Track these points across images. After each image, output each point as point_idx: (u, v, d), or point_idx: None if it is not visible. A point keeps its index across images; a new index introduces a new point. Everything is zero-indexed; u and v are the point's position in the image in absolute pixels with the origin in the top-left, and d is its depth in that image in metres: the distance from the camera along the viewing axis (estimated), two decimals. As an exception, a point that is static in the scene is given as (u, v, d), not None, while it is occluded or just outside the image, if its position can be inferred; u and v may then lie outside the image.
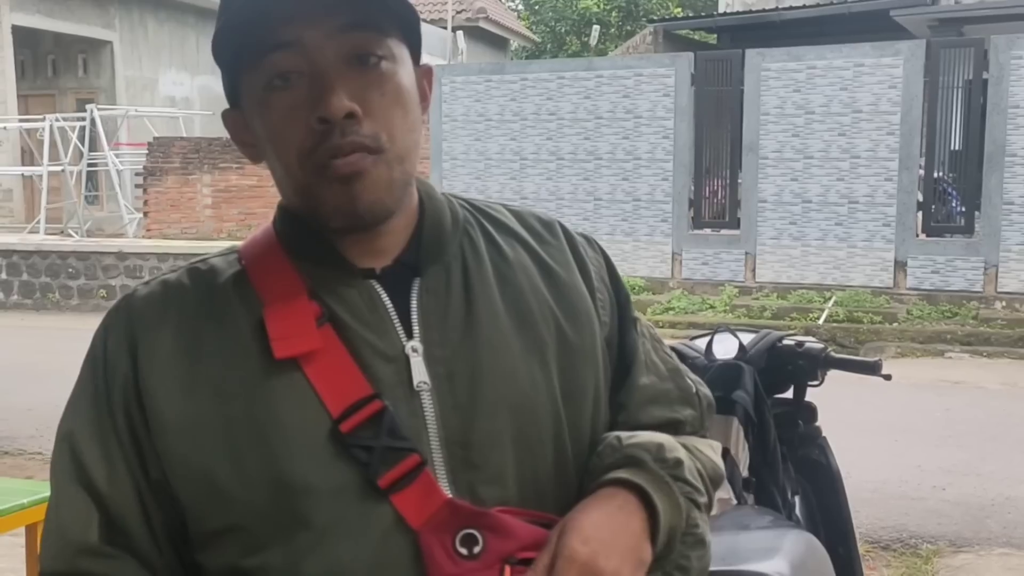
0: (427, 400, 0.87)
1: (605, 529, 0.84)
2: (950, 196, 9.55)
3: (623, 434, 0.93)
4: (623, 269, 10.23)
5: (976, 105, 9.03)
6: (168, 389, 0.87)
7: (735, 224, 10.03)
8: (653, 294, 9.99)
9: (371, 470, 0.83)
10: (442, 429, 0.87)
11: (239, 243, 0.99)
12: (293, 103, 0.86)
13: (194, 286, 0.92)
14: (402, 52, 0.91)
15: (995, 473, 4.81)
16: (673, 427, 0.99)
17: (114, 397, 0.89)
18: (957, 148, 9.44)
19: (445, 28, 18.77)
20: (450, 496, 0.85)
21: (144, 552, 0.88)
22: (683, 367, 1.05)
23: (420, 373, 0.88)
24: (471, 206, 1.01)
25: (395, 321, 0.90)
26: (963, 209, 9.41)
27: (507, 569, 0.83)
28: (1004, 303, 8.95)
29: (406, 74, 0.90)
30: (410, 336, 0.89)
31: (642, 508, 0.87)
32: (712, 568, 1.49)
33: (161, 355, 0.88)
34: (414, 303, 0.91)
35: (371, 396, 0.85)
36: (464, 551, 0.83)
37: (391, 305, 0.90)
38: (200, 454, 0.85)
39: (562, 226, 1.03)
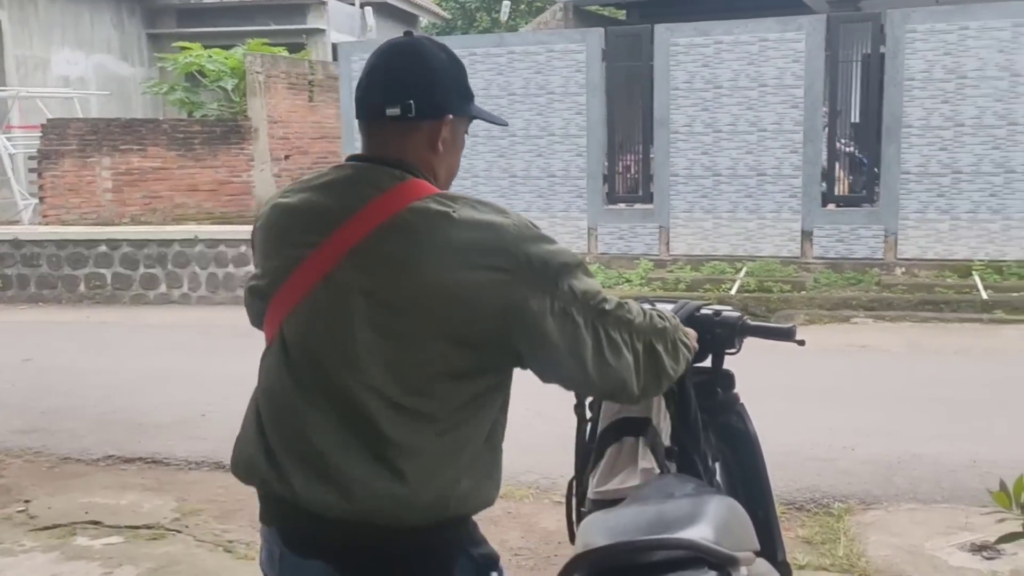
0: None
1: None
2: (866, 167, 9.79)
3: None
4: (540, 245, 10.33)
5: (874, 78, 9.33)
6: None
7: (648, 198, 10.16)
8: (570, 269, 10.04)
9: None
10: None
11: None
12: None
13: None
14: None
15: (902, 432, 5.01)
16: None
17: None
18: (856, 120, 9.73)
19: (354, 4, 18.42)
20: None
21: None
22: None
23: None
24: None
25: None
26: (865, 179, 9.73)
27: None
28: (903, 269, 9.32)
29: None
30: None
31: None
32: (640, 537, 1.50)
33: None
34: None
35: None
36: None
37: None
38: None
39: None
